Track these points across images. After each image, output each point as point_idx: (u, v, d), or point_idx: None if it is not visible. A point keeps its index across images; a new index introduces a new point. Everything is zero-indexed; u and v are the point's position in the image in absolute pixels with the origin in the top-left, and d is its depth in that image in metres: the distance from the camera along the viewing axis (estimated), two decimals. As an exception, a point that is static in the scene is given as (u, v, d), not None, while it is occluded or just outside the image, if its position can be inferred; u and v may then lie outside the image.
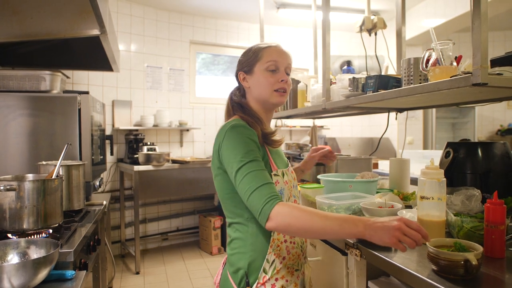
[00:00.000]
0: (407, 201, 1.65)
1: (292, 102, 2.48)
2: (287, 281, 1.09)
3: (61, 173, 1.65)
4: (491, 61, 1.34)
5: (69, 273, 1.11)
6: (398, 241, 0.86)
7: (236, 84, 1.28)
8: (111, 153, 3.53)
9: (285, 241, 1.10)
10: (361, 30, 2.47)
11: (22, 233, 1.32)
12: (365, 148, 4.68)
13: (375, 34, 2.50)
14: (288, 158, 2.60)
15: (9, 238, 1.29)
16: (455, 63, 1.24)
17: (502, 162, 1.46)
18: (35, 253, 1.11)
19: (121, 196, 3.89)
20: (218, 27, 4.48)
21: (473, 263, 0.81)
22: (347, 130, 5.14)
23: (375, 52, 2.37)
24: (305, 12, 4.05)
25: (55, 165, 1.53)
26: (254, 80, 1.17)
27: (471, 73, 1.05)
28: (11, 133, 2.06)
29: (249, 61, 1.18)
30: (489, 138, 5.00)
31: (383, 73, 1.90)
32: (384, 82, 1.53)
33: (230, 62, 4.74)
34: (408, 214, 1.28)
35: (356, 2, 3.93)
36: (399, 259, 0.99)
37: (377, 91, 1.53)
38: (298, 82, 2.45)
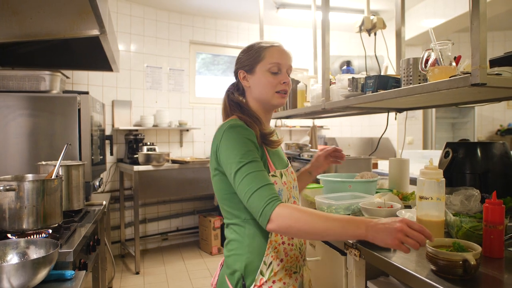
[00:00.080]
0: (407, 201, 1.65)
1: (292, 102, 2.48)
2: (284, 283, 1.08)
3: (60, 173, 1.65)
4: (490, 61, 1.34)
5: (69, 273, 1.11)
6: (401, 243, 0.85)
7: (232, 81, 1.26)
8: (111, 153, 3.53)
9: (283, 243, 1.09)
10: (360, 30, 2.47)
11: (21, 233, 1.32)
12: (365, 148, 4.68)
13: (375, 34, 2.50)
14: (288, 158, 2.61)
15: (9, 238, 1.29)
16: (454, 63, 1.25)
17: (501, 162, 1.47)
18: (34, 253, 1.11)
19: (121, 196, 3.89)
20: (218, 27, 4.49)
21: (472, 263, 0.82)
22: (346, 130, 5.14)
23: (375, 52, 2.37)
24: (305, 12, 4.06)
25: (55, 165, 1.53)
26: (255, 80, 1.15)
27: (470, 73, 1.05)
28: (11, 133, 2.07)
29: (250, 60, 1.16)
30: (489, 138, 5.00)
31: (382, 73, 1.90)
32: (383, 82, 1.53)
33: (230, 62, 4.75)
34: (407, 214, 1.28)
35: (355, 2, 3.94)
36: (398, 259, 0.99)
37: (376, 91, 1.53)
38: (297, 82, 2.46)
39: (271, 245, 1.07)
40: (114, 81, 3.90)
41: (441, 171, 1.10)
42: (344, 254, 1.27)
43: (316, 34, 2.94)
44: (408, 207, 1.56)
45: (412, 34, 4.11)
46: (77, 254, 1.29)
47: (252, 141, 1.05)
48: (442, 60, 1.24)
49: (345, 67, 2.15)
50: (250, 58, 1.16)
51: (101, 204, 2.06)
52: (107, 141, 3.34)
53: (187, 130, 4.29)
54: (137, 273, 3.40)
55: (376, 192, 1.74)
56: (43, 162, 1.77)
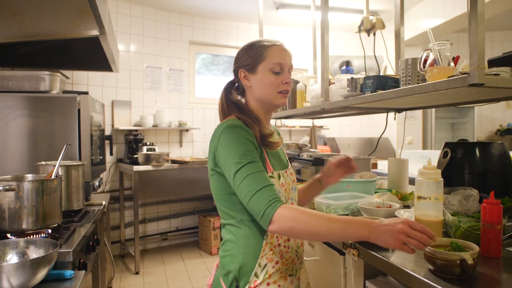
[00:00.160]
0: (406, 201, 1.65)
1: (291, 102, 2.48)
2: (279, 286, 1.07)
3: (60, 173, 1.65)
4: (489, 61, 1.35)
5: (68, 273, 1.11)
6: (403, 244, 0.85)
7: (229, 80, 1.23)
8: (111, 153, 3.54)
9: (279, 245, 1.07)
10: (359, 31, 2.48)
11: (21, 233, 1.33)
12: (365, 148, 4.69)
13: (374, 34, 2.50)
14: (288, 158, 2.61)
15: (8, 238, 1.29)
16: (452, 64, 1.25)
17: (500, 162, 1.47)
18: (34, 253, 1.12)
19: (121, 196, 3.90)
20: (218, 27, 4.49)
21: (469, 262, 0.82)
22: (346, 130, 5.15)
23: (374, 52, 2.37)
24: (304, 12, 4.06)
25: (54, 165, 1.54)
26: (257, 80, 1.13)
27: (468, 73, 1.06)
28: (10, 134, 2.07)
29: (252, 59, 1.13)
30: (489, 138, 5.01)
31: (381, 74, 1.90)
32: (382, 82, 1.53)
33: (230, 62, 4.75)
34: (405, 214, 1.28)
35: (355, 3, 3.94)
36: (396, 259, 1.00)
37: (375, 91, 1.53)
38: (297, 82, 2.46)
39: (267, 247, 1.05)
40: (114, 81, 3.90)
41: (439, 171, 1.10)
42: (342, 254, 1.27)
43: (316, 34, 2.94)
44: (407, 207, 1.56)
45: (411, 35, 4.12)
46: (76, 254, 1.30)
47: (251, 141, 1.04)
48: (441, 60, 1.24)
49: (344, 67, 2.16)
50: (251, 57, 1.14)
51: (101, 204, 2.07)
52: (106, 141, 3.35)
53: (187, 130, 4.30)
54: (137, 273, 3.41)
55: (375, 192, 1.75)
56: (43, 162, 1.77)
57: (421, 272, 0.90)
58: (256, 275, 1.04)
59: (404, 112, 2.22)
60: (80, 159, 2.20)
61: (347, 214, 1.46)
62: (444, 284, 0.83)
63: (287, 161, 1.24)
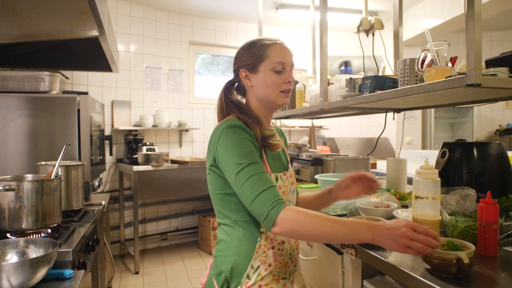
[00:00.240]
0: (404, 200, 1.66)
1: (290, 103, 2.49)
2: None
3: (60, 173, 1.66)
4: (486, 61, 1.35)
5: (68, 272, 1.12)
6: (407, 248, 0.84)
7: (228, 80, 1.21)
8: (110, 153, 3.55)
9: (273, 247, 1.06)
10: (358, 31, 2.49)
11: (21, 233, 1.33)
12: (364, 148, 4.69)
13: (373, 35, 2.51)
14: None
15: (8, 237, 1.30)
16: (450, 64, 1.26)
17: (498, 162, 1.48)
18: (33, 253, 1.12)
19: (121, 196, 3.90)
20: (217, 27, 4.50)
21: (465, 261, 0.83)
22: (346, 130, 5.15)
23: (373, 52, 2.38)
24: (304, 12, 4.07)
25: (54, 166, 1.54)
26: (258, 79, 1.12)
27: (465, 74, 1.06)
28: (10, 134, 2.08)
29: (253, 59, 1.12)
30: (488, 138, 5.02)
31: (380, 74, 1.91)
32: (380, 82, 1.54)
33: (230, 62, 4.75)
34: (403, 214, 1.29)
35: (355, 3, 3.95)
36: (394, 258, 1.00)
37: (373, 91, 1.54)
38: (296, 82, 2.47)
39: (260, 249, 1.04)
40: (114, 81, 3.91)
41: (437, 171, 1.11)
42: (340, 253, 1.28)
43: (315, 35, 2.95)
44: (405, 206, 1.57)
45: (410, 35, 4.12)
46: (76, 253, 1.30)
47: (251, 141, 1.03)
48: (438, 60, 1.25)
49: (343, 67, 2.17)
50: (252, 56, 1.12)
51: (100, 204, 2.07)
52: (106, 141, 3.36)
53: (187, 130, 4.30)
54: (137, 273, 3.41)
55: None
56: (43, 162, 1.78)
57: (418, 271, 0.91)
58: (248, 277, 1.03)
59: (403, 112, 2.23)
60: (79, 159, 2.21)
61: (346, 214, 1.47)
62: (440, 283, 0.83)
63: (288, 163, 1.22)
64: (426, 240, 0.83)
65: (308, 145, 3.45)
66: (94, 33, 1.90)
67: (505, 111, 5.08)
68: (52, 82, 2.24)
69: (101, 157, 2.80)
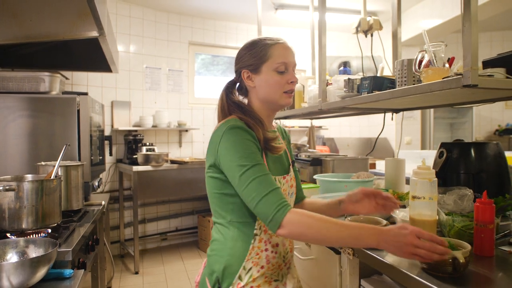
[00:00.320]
0: (402, 200, 1.66)
1: (289, 103, 2.49)
2: None
3: (59, 174, 1.66)
4: (484, 62, 1.36)
5: (67, 272, 1.13)
6: (413, 254, 0.84)
7: (228, 80, 1.20)
8: (110, 154, 3.56)
9: (266, 249, 1.06)
10: (357, 32, 2.49)
11: (21, 233, 1.34)
12: (364, 148, 4.70)
13: (371, 35, 2.52)
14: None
15: (8, 237, 1.30)
16: (447, 65, 1.27)
17: (495, 162, 1.48)
18: (33, 252, 1.13)
19: (120, 196, 3.91)
20: (217, 28, 4.51)
21: (461, 261, 0.83)
22: (345, 131, 5.16)
23: (371, 53, 2.39)
24: (303, 13, 4.07)
25: (54, 166, 1.55)
26: (261, 80, 1.11)
27: (462, 74, 1.07)
28: (10, 134, 2.08)
29: (255, 59, 1.10)
30: (487, 138, 5.02)
31: (378, 74, 1.92)
32: (378, 83, 1.55)
33: (229, 62, 4.77)
34: (401, 214, 1.30)
35: (355, 3, 3.95)
36: (391, 258, 1.01)
37: (371, 92, 1.55)
38: (295, 83, 2.47)
39: (253, 250, 1.04)
40: (114, 82, 3.92)
41: (434, 171, 1.12)
42: (338, 253, 1.29)
43: (314, 35, 2.96)
44: (403, 206, 1.58)
45: (410, 35, 4.13)
46: (75, 253, 1.31)
47: (254, 143, 1.02)
48: (436, 61, 1.26)
49: (341, 68, 2.17)
50: (254, 56, 1.11)
51: (100, 204, 2.08)
52: (106, 142, 3.36)
53: (186, 131, 4.31)
54: (136, 273, 3.42)
55: (372, 192, 1.76)
56: (43, 163, 1.79)
57: (415, 270, 0.92)
58: (240, 278, 1.02)
59: (402, 113, 2.23)
60: (79, 160, 2.22)
61: (344, 214, 1.47)
62: (436, 282, 0.84)
63: (289, 165, 1.20)
64: (431, 247, 0.83)
65: (307, 145, 3.46)
66: (94, 34, 1.91)
67: (504, 111, 5.09)
68: (52, 83, 2.25)
69: (101, 157, 2.81)
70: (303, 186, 1.65)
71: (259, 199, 0.94)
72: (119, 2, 3.89)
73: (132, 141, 3.78)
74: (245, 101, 1.18)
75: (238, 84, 1.19)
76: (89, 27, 1.86)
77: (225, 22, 4.55)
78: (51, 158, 2.05)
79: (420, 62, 1.29)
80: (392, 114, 2.23)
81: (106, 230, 2.81)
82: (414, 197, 1.12)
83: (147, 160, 3.49)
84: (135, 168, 3.41)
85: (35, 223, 1.34)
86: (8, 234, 1.33)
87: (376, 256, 1.04)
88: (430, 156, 1.70)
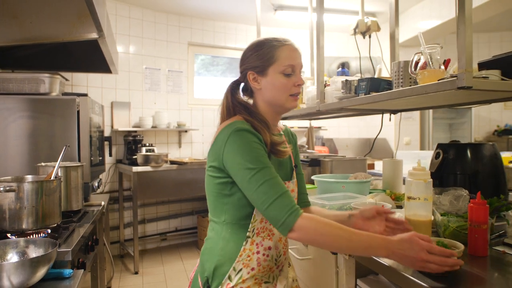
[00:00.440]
0: (399, 201, 1.68)
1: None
2: None
3: (59, 175, 1.68)
4: (479, 64, 1.37)
5: (67, 271, 1.14)
6: (422, 268, 0.85)
7: (228, 80, 1.18)
8: (110, 154, 3.57)
9: (258, 252, 1.05)
10: (355, 33, 2.51)
11: (21, 233, 1.35)
12: (363, 148, 4.71)
13: (369, 36, 2.53)
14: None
15: (9, 237, 1.32)
16: (443, 67, 1.28)
17: (491, 163, 1.50)
18: (33, 252, 1.14)
19: (120, 196, 3.93)
20: (216, 29, 4.52)
21: (454, 260, 0.85)
22: (344, 131, 5.17)
23: (369, 54, 2.40)
24: (302, 14, 4.09)
25: (54, 167, 1.56)
26: (267, 82, 1.09)
27: (457, 76, 1.08)
28: (11, 135, 2.10)
29: (262, 61, 1.09)
30: (486, 138, 5.03)
31: (376, 75, 1.93)
32: (375, 84, 1.56)
33: (229, 63, 4.78)
34: (397, 214, 1.31)
35: (354, 4, 3.97)
36: (386, 259, 1.02)
37: (368, 93, 1.56)
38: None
39: (245, 252, 1.04)
40: (113, 82, 3.93)
41: (429, 172, 1.13)
42: (334, 253, 1.30)
43: (313, 36, 2.97)
44: (400, 207, 1.59)
45: (408, 36, 4.14)
46: (75, 253, 1.32)
47: (261, 145, 1.01)
48: (432, 63, 1.27)
49: (340, 69, 2.19)
50: (261, 58, 1.09)
51: (100, 205, 2.09)
52: (106, 142, 3.37)
53: (186, 131, 4.33)
54: (136, 273, 3.43)
55: (370, 193, 1.78)
56: (43, 164, 1.80)
57: (409, 270, 0.93)
58: (229, 278, 1.02)
59: (400, 113, 2.25)
60: (79, 160, 2.23)
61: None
62: (429, 282, 0.86)
63: (292, 171, 1.19)
64: (441, 262, 0.84)
65: (306, 146, 3.48)
66: (93, 35, 1.92)
67: (503, 112, 5.10)
68: (52, 84, 2.26)
69: (100, 158, 2.82)
70: None
71: (270, 203, 0.94)
72: (118, 3, 3.90)
73: (132, 141, 3.80)
74: (250, 101, 1.17)
75: (243, 84, 1.17)
76: (88, 29, 1.88)
77: (224, 23, 4.56)
78: (51, 159, 2.06)
79: (416, 63, 1.31)
80: (390, 115, 2.25)
81: (106, 231, 2.82)
82: (409, 198, 1.13)
83: (146, 160, 3.50)
84: (135, 168, 3.43)
85: (35, 223, 1.36)
86: (8, 235, 1.34)
87: (372, 257, 1.05)
88: (429, 156, 1.71)
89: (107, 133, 3.85)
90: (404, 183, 1.96)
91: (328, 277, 1.33)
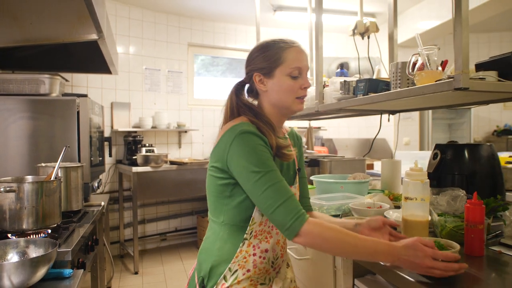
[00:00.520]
0: (398, 201, 1.69)
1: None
2: None
3: (59, 175, 1.69)
4: (476, 65, 1.38)
5: (67, 271, 1.15)
6: (427, 273, 0.87)
7: (233, 81, 1.16)
8: (110, 155, 3.58)
9: (254, 254, 1.05)
10: (353, 34, 2.52)
11: (21, 233, 1.36)
12: (362, 149, 4.72)
13: (368, 37, 2.54)
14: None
15: (9, 238, 1.33)
16: (440, 68, 1.29)
17: (488, 164, 1.51)
18: (34, 252, 1.15)
19: (120, 197, 3.94)
20: (216, 29, 4.53)
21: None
22: (344, 131, 5.18)
23: (368, 55, 2.41)
24: (302, 14, 4.10)
25: (54, 167, 1.57)
26: (274, 84, 1.08)
27: (453, 77, 1.09)
28: (11, 136, 2.11)
29: (269, 63, 1.08)
30: (485, 139, 5.04)
31: (374, 76, 1.94)
32: (373, 85, 1.57)
33: (229, 63, 4.79)
34: (394, 215, 1.32)
35: (354, 5, 3.97)
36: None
37: (367, 94, 1.57)
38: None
39: (241, 254, 1.04)
40: (113, 83, 3.94)
41: (426, 172, 1.14)
42: (333, 253, 1.31)
43: (312, 37, 2.98)
44: (398, 207, 1.60)
45: (408, 36, 4.15)
46: (75, 253, 1.33)
47: (266, 148, 1.01)
48: (429, 64, 1.28)
49: (338, 70, 2.20)
50: (268, 60, 1.08)
51: (100, 205, 2.10)
52: (106, 143, 3.38)
53: (186, 132, 4.34)
54: (136, 273, 3.44)
55: (368, 193, 1.78)
56: (43, 164, 1.81)
57: (406, 270, 0.94)
58: (224, 278, 1.02)
59: (399, 114, 2.25)
60: (79, 161, 2.24)
61: (339, 215, 1.50)
62: (425, 281, 0.87)
63: (295, 175, 1.18)
64: (445, 267, 0.85)
65: (305, 146, 3.48)
66: (93, 36, 1.93)
67: (502, 112, 5.11)
68: (52, 85, 2.27)
69: (100, 159, 2.83)
70: None
71: (276, 207, 0.93)
72: (118, 3, 3.91)
73: (132, 142, 3.81)
74: (255, 103, 1.16)
75: (248, 85, 1.16)
76: (88, 30, 1.88)
77: (224, 24, 4.57)
78: (51, 159, 2.07)
79: (414, 64, 1.32)
80: (389, 116, 2.26)
81: (106, 231, 2.83)
82: (406, 198, 1.14)
83: (146, 161, 3.51)
84: (135, 169, 3.43)
85: (35, 223, 1.37)
86: (9, 235, 1.35)
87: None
88: (428, 157, 1.72)
89: (107, 133, 3.86)
90: (402, 184, 1.98)
91: (326, 277, 1.34)
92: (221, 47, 4.61)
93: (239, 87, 1.15)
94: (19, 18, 1.84)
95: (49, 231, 1.42)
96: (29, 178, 1.56)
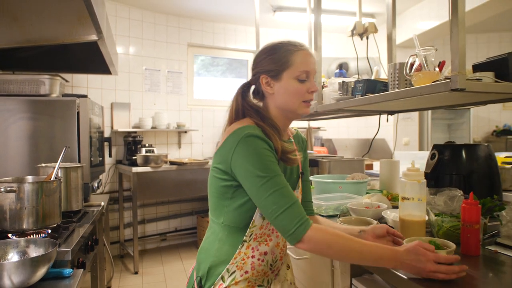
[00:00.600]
0: (396, 201, 1.69)
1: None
2: None
3: (59, 175, 1.69)
4: (474, 66, 1.39)
5: (67, 271, 1.16)
6: (430, 276, 0.87)
7: (242, 82, 1.16)
8: (110, 155, 3.58)
9: (253, 256, 1.05)
10: (352, 35, 2.52)
11: (21, 233, 1.37)
12: (362, 149, 4.73)
13: (367, 38, 2.55)
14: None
15: (9, 237, 1.34)
16: (437, 69, 1.30)
17: (486, 164, 1.52)
18: (34, 252, 1.16)
19: (120, 197, 3.94)
20: (216, 30, 4.54)
21: (445, 260, 0.86)
22: (343, 132, 5.18)
23: (367, 56, 2.42)
24: (301, 15, 4.10)
25: (54, 168, 1.58)
26: (281, 87, 1.07)
27: (450, 78, 1.10)
28: (11, 136, 2.12)
29: (276, 65, 1.07)
30: (485, 139, 5.05)
31: (373, 77, 1.95)
32: (371, 86, 1.58)
33: (229, 63, 4.80)
34: (392, 215, 1.33)
35: (354, 5, 3.98)
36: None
37: (365, 95, 1.58)
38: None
39: (239, 255, 1.04)
40: (113, 83, 3.95)
41: (423, 172, 1.15)
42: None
43: (312, 37, 2.98)
44: (396, 207, 1.60)
45: (407, 36, 4.15)
46: (75, 253, 1.34)
47: (272, 152, 1.00)
48: (426, 65, 1.29)
49: (337, 70, 2.21)
50: (275, 62, 1.07)
51: (100, 205, 2.11)
52: (106, 143, 3.39)
53: (185, 132, 4.34)
54: (136, 273, 3.45)
55: (367, 193, 1.79)
56: (43, 164, 1.82)
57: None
58: (222, 279, 1.02)
59: (398, 114, 2.26)
60: (79, 161, 2.25)
61: (337, 215, 1.50)
62: (420, 281, 0.88)
63: (298, 178, 1.18)
64: (448, 271, 0.86)
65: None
66: (93, 37, 1.94)
67: (501, 112, 5.12)
68: (52, 86, 2.28)
69: (100, 159, 2.84)
70: None
71: (280, 212, 0.93)
72: (118, 4, 3.92)
73: (132, 142, 3.82)
74: (260, 105, 1.15)
75: (253, 87, 1.15)
76: (88, 31, 1.89)
77: (223, 24, 4.58)
78: (51, 160, 2.08)
79: (412, 65, 1.32)
80: (387, 116, 2.27)
81: (106, 231, 2.84)
82: (403, 198, 1.15)
83: (146, 161, 3.52)
84: (135, 169, 3.44)
85: (35, 223, 1.37)
86: (9, 235, 1.36)
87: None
88: (427, 157, 1.73)
89: (107, 134, 3.87)
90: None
91: (324, 276, 1.35)
92: (221, 48, 4.62)
93: (245, 89, 1.14)
94: (19, 19, 1.84)
95: (49, 231, 1.43)
96: (29, 178, 1.57)
